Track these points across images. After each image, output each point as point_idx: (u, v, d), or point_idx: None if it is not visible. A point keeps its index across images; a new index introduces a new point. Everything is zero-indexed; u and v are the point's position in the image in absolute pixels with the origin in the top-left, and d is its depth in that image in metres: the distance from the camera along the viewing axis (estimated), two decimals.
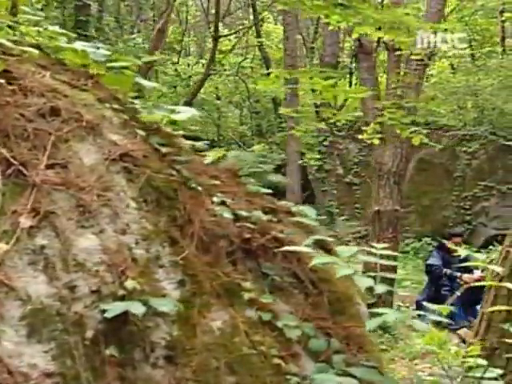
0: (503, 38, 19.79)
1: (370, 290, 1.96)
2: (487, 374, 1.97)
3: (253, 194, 2.24)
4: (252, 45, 22.00)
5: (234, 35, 21.62)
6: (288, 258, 2.05)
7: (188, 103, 15.89)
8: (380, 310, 1.93)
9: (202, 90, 19.62)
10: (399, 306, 10.71)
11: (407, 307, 10.53)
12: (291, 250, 2.00)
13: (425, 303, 2.53)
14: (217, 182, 2.11)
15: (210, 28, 19.85)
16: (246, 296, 1.88)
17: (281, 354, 1.81)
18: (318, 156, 12.38)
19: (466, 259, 7.49)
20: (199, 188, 1.97)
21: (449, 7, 21.01)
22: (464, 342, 8.02)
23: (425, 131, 5.52)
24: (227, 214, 1.96)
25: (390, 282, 7.40)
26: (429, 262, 9.10)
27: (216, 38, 14.95)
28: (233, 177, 2.24)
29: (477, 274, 8.29)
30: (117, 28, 17.00)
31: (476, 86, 16.40)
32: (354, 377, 1.75)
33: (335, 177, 16.17)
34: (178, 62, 22.75)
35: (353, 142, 15.00)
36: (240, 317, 1.81)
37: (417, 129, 4.92)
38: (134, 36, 16.54)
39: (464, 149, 15.55)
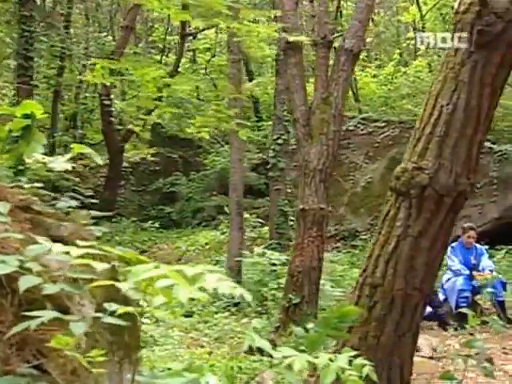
0: None
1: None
2: None
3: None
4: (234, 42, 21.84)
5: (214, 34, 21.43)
6: None
7: (157, 100, 15.74)
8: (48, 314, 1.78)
9: (179, 89, 19.47)
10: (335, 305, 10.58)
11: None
12: None
13: None
14: None
15: (189, 26, 19.74)
16: None
17: None
18: (272, 154, 12.17)
19: None
20: None
21: (428, 5, 20.78)
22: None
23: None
24: None
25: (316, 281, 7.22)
26: None
27: (183, 36, 14.82)
28: None
29: None
30: (88, 25, 16.89)
31: None
32: None
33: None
34: (160, 61, 22.62)
35: None
36: None
37: (242, 122, 4.77)
38: (104, 34, 16.42)
39: None
